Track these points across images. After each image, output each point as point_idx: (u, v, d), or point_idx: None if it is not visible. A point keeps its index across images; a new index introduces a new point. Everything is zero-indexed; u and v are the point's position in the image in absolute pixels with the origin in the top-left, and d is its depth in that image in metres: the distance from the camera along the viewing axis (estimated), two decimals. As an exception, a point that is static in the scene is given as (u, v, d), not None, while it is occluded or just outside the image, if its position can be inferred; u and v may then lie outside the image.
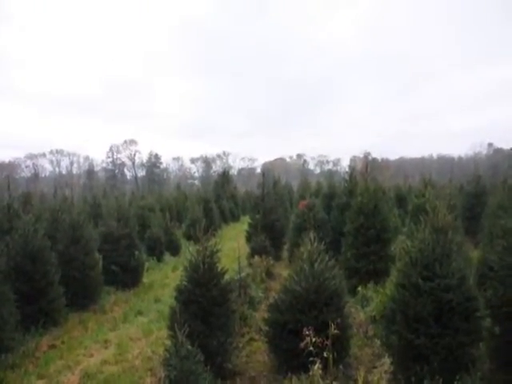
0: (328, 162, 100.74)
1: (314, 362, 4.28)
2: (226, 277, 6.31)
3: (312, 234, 6.24)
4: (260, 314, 7.93)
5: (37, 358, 7.03)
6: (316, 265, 5.96)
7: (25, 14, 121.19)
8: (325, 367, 4.38)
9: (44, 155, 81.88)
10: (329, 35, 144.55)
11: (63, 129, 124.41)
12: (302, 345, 4.30)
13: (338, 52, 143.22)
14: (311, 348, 4.31)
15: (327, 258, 6.19)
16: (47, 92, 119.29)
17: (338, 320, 5.21)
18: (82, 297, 9.65)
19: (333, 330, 4.55)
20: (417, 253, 5.42)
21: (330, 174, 28.74)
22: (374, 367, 5.64)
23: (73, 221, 10.21)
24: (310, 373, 4.43)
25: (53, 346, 7.54)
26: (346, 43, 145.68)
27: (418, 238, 5.56)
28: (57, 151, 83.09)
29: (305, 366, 4.77)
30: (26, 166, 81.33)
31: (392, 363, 5.14)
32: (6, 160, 76.30)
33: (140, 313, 9.55)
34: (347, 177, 13.95)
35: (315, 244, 6.17)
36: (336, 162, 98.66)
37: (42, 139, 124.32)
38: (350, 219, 10.42)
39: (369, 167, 11.49)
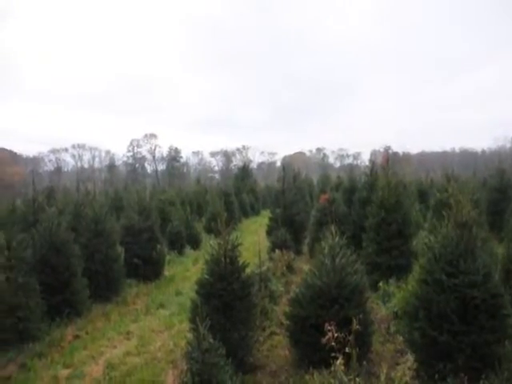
0: (348, 155, 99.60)
1: (336, 358, 4.25)
2: (247, 271, 6.31)
3: (333, 229, 6.18)
4: (281, 309, 7.93)
5: (62, 347, 7.20)
6: (337, 259, 5.92)
7: (45, 8, 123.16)
8: (346, 363, 4.34)
9: (66, 150, 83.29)
10: (349, 27, 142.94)
11: (85, 124, 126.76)
12: (324, 340, 4.27)
13: (359, 45, 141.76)
14: (333, 343, 4.29)
15: (348, 253, 6.14)
16: (71, 88, 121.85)
17: (360, 315, 5.17)
18: (105, 289, 9.80)
19: (355, 326, 4.52)
20: (440, 248, 5.33)
21: (351, 168, 28.46)
22: (397, 364, 5.60)
23: (95, 214, 10.36)
24: (332, 368, 4.40)
25: (77, 337, 7.70)
26: (367, 35, 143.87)
27: (442, 233, 5.47)
28: (79, 146, 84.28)
29: (326, 361, 4.75)
30: (50, 161, 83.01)
31: (415, 360, 5.09)
32: (31, 155, 78.17)
33: (161, 305, 9.66)
34: (368, 171, 13.79)
35: (336, 238, 6.11)
36: (356, 156, 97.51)
37: (65, 134, 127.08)
38: (371, 214, 10.31)
39: (390, 161, 11.33)
